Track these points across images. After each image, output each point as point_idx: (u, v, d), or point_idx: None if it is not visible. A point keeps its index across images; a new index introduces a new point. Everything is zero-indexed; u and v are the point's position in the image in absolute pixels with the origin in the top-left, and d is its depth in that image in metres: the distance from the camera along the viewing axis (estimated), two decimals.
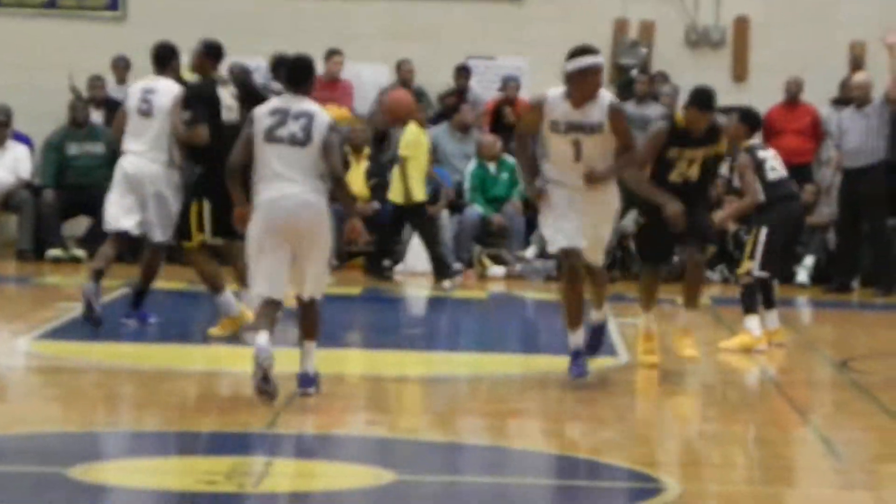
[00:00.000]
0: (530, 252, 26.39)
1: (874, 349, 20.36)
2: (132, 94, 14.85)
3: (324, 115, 13.88)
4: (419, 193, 25.05)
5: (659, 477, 12.42)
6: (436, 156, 26.21)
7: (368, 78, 27.63)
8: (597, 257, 14.90)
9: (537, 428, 15.24)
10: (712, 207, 18.03)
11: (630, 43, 27.64)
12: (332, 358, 15.84)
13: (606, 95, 14.20)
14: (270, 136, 13.48)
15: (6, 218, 26.86)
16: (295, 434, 13.08)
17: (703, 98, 15.01)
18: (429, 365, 18.67)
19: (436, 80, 27.71)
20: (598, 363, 18.08)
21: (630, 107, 25.97)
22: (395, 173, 25.30)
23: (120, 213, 15.64)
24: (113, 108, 26.10)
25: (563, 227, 14.39)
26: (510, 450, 13.97)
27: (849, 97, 25.40)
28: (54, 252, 26.22)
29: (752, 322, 18.96)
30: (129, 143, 14.79)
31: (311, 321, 14.04)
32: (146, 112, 14.22)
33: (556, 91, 13.74)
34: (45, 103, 26.99)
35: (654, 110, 26.91)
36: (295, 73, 14.13)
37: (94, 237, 25.74)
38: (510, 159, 26.27)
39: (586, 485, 12.73)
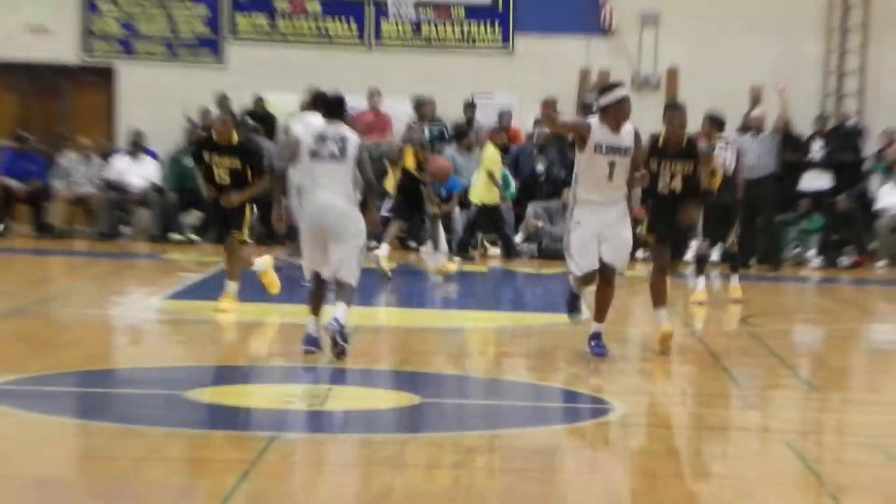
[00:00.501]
0: (518, 238, 26.34)
1: (766, 310, 20.36)
2: (305, 140, 13.62)
3: (355, 136, 13.54)
4: (497, 197, 25.30)
5: (610, 400, 12.56)
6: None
7: (399, 110, 27.57)
8: (623, 259, 13.94)
9: (523, 365, 15.32)
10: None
11: (592, 86, 27.60)
12: (373, 314, 15.78)
13: (629, 124, 13.46)
14: (314, 154, 13.29)
15: (141, 211, 26.87)
16: (348, 369, 13.21)
17: (674, 111, 14.56)
18: (445, 319, 18.72)
19: (449, 112, 27.59)
20: (558, 320, 18.15)
21: None
22: (478, 181, 25.41)
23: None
24: None
25: (586, 256, 13.51)
26: (503, 380, 14.15)
27: (748, 126, 25.33)
28: (175, 236, 26.39)
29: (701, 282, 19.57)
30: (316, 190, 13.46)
31: (343, 291, 13.47)
32: (335, 157, 13.28)
33: (594, 119, 13.20)
34: (168, 128, 26.89)
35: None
36: (331, 105, 13.77)
37: (205, 224, 26.21)
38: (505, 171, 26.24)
39: (558, 405, 13.06)
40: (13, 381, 12.40)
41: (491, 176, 25.14)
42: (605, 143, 12.96)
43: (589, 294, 14.21)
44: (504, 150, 26.50)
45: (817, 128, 26.99)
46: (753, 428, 12.17)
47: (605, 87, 13.75)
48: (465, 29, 28.08)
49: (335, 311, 13.28)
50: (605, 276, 13.56)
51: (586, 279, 13.74)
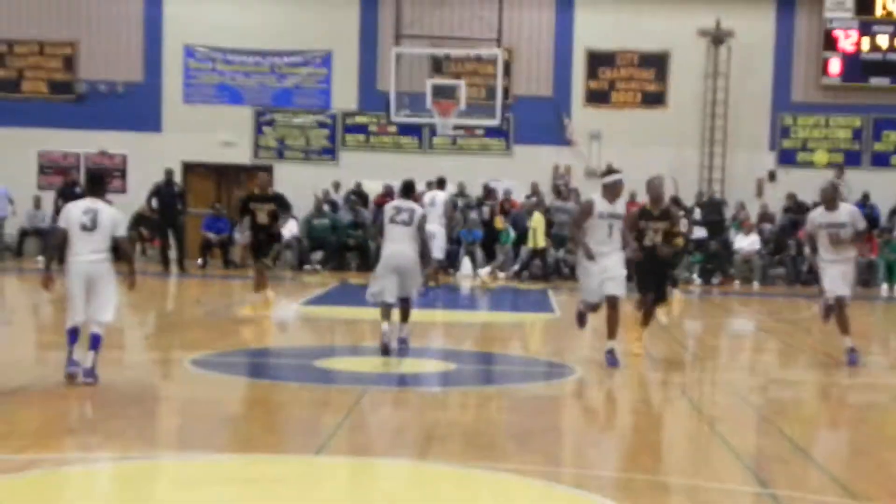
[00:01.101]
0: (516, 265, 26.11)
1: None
2: (387, 210, 12.96)
3: (420, 209, 12.98)
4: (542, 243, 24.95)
5: (572, 366, 12.48)
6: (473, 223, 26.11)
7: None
8: (622, 290, 12.46)
9: (514, 345, 15.31)
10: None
11: (559, 175, 27.41)
12: (420, 315, 15.60)
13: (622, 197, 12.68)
14: (392, 220, 12.69)
15: (287, 251, 26.85)
16: (410, 348, 13.10)
17: (654, 188, 13.09)
18: (466, 317, 18.51)
19: (474, 190, 27.44)
20: (542, 318, 18.12)
21: (562, 204, 25.84)
22: (531, 233, 25.01)
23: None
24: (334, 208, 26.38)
25: (592, 292, 12.46)
26: (498, 354, 14.14)
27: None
28: (307, 267, 26.29)
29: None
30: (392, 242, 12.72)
31: (406, 311, 13.12)
32: (406, 223, 12.61)
33: (596, 195, 12.43)
34: (304, 203, 26.84)
35: (573, 206, 26.74)
36: (405, 188, 13.24)
37: (326, 259, 26.10)
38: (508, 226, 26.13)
39: (533, 370, 12.97)
40: (209, 355, 12.64)
41: (535, 231, 24.99)
42: (605, 211, 12.23)
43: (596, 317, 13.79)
44: (507, 213, 26.44)
45: (697, 200, 26.78)
46: (663, 383, 12.15)
47: (606, 171, 12.94)
48: (484, 141, 27.92)
49: (402, 331, 13.14)
50: (611, 303, 12.33)
51: (593, 308, 12.75)
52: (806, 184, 26.53)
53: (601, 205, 12.29)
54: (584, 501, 7.03)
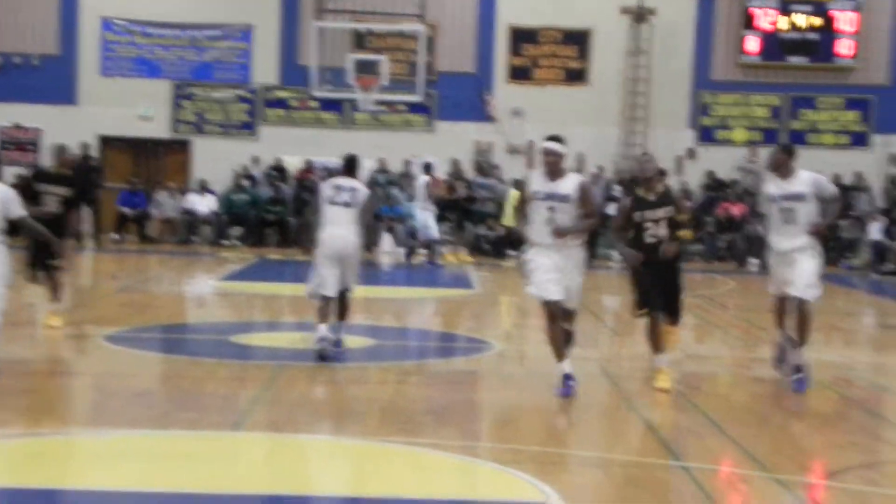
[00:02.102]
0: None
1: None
2: (325, 189, 11.30)
3: (364, 188, 11.33)
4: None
5: (491, 341, 12.55)
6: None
7: (366, 166, 27.36)
8: (577, 302, 9.87)
9: (434, 321, 15.33)
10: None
11: (482, 151, 27.46)
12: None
13: (574, 175, 9.75)
14: (331, 201, 11.02)
15: (204, 227, 26.58)
16: (331, 324, 13.04)
17: (644, 167, 10.02)
18: (387, 293, 18.51)
19: (396, 167, 27.37)
20: (462, 293, 18.18)
21: (484, 181, 25.90)
22: (507, 212, 23.94)
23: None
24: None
25: (546, 284, 9.47)
26: (418, 330, 14.15)
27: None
28: (225, 242, 26.10)
29: None
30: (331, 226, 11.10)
31: (344, 307, 11.44)
32: (347, 204, 11.04)
33: (536, 171, 9.80)
34: (222, 177, 26.69)
35: (495, 183, 26.89)
36: (347, 164, 11.41)
37: (245, 235, 25.98)
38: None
39: (452, 345, 13.17)
40: (124, 330, 12.51)
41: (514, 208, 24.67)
42: (541, 190, 9.42)
43: None
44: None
45: (618, 178, 26.99)
46: (581, 359, 12.22)
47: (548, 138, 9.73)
48: (406, 117, 27.83)
49: (339, 331, 11.35)
50: (564, 315, 9.74)
51: (548, 304, 9.63)
52: (725, 161, 26.87)
53: (537, 182, 9.59)
54: (501, 476, 7.08)
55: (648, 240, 9.93)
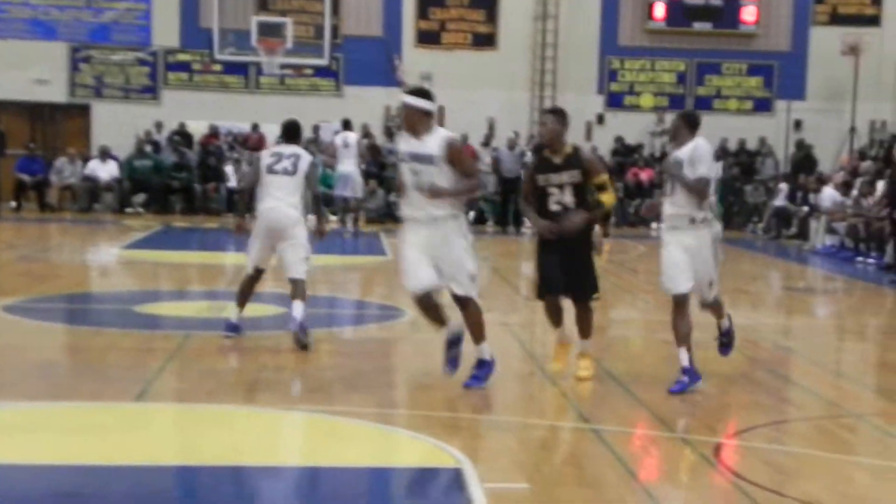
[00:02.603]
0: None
1: (499, 253, 20.33)
2: (263, 157, 10.33)
3: (307, 155, 10.32)
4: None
5: (404, 308, 12.55)
6: None
7: (272, 132, 27.28)
8: (464, 283, 8.39)
9: (346, 288, 15.29)
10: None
11: (392, 117, 27.36)
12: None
13: (442, 131, 8.21)
14: (270, 169, 10.06)
15: (107, 194, 26.21)
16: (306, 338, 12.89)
17: (558, 113, 8.85)
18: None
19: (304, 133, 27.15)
20: (374, 260, 18.14)
21: (395, 146, 25.78)
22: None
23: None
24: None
25: (414, 271, 8.34)
26: (329, 297, 14.11)
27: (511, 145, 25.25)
28: (128, 210, 25.75)
29: None
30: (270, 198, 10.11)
31: (296, 289, 10.12)
32: (289, 172, 10.06)
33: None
34: (124, 142, 26.34)
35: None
36: (288, 130, 10.57)
37: (148, 202, 25.60)
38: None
39: (364, 313, 13.28)
40: (22, 301, 12.35)
41: None
42: (406, 151, 8.21)
43: None
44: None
45: (530, 144, 27.09)
46: (495, 324, 12.27)
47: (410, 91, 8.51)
48: (313, 81, 27.63)
49: (294, 311, 10.04)
50: (460, 304, 8.56)
51: (419, 303, 8.60)
52: (633, 127, 27.13)
53: (403, 142, 8.35)
54: (414, 442, 7.10)
55: (553, 207, 8.72)
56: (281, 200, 10.07)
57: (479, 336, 8.61)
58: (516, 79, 27.73)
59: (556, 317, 9.09)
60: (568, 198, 8.65)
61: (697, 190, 8.54)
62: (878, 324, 13.87)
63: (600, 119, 28.17)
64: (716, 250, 8.96)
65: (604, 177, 8.79)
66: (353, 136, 22.12)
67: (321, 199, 10.86)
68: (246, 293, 10.45)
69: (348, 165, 21.45)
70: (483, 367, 8.60)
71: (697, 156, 8.49)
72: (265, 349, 10.31)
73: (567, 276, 8.83)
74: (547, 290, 8.98)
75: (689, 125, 8.72)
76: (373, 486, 6.51)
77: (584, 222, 8.77)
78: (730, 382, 9.30)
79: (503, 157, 25.24)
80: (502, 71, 27.67)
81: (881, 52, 27.57)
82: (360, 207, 22.75)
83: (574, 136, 27.86)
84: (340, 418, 7.59)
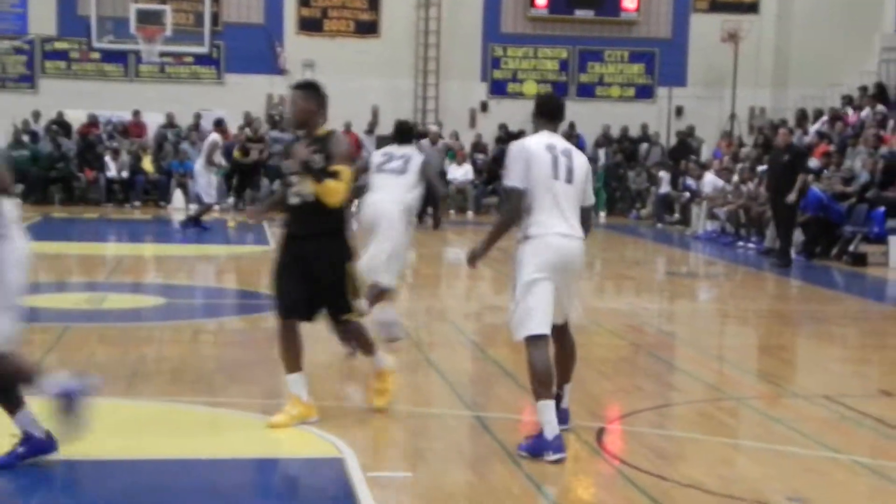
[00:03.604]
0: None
1: None
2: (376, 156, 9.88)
3: (418, 155, 9.89)
4: None
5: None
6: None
7: (154, 121, 26.94)
8: (341, 305, 7.13)
9: (231, 278, 15.12)
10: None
11: (274, 105, 27.10)
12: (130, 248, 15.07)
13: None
14: (380, 169, 9.61)
15: None
16: (118, 282, 12.68)
17: (309, 89, 6.95)
18: (179, 250, 18.15)
19: (186, 121, 26.87)
20: (257, 250, 17.97)
21: (278, 134, 25.63)
22: None
23: None
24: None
25: (286, 297, 7.03)
26: (211, 287, 13.97)
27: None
28: None
29: None
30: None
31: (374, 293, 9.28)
32: (397, 171, 9.57)
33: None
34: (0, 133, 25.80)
35: (291, 137, 26.55)
36: (400, 131, 10.01)
37: (26, 195, 25.04)
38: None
39: (246, 302, 12.93)
40: None
41: None
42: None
43: None
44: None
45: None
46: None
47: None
48: (194, 69, 27.30)
49: None
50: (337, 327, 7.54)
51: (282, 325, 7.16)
52: (516, 114, 27.24)
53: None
54: (296, 433, 7.07)
55: (292, 200, 7.07)
56: (385, 196, 9.53)
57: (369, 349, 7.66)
58: (399, 66, 27.71)
59: (294, 353, 7.22)
60: (307, 188, 6.95)
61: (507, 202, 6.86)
62: (759, 308, 14.15)
63: (484, 106, 28.29)
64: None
65: (340, 167, 6.91)
66: (211, 136, 21.11)
67: (439, 194, 11.56)
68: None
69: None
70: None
71: (506, 162, 6.69)
72: (145, 340, 10.18)
73: (300, 293, 7.07)
74: (282, 301, 7.14)
75: (539, 114, 6.85)
76: (254, 477, 6.47)
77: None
78: (613, 368, 9.41)
79: (426, 153, 24.03)
80: (385, 59, 27.64)
81: (760, 39, 28.12)
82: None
83: (458, 124, 28.27)
84: (222, 410, 7.52)
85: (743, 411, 8.25)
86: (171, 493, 6.02)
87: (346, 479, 6.07)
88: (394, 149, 9.91)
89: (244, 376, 8.71)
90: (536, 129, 6.82)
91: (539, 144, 6.65)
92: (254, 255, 17.75)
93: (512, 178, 6.58)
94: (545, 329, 6.52)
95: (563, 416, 6.77)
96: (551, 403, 6.47)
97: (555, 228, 6.52)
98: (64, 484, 6.13)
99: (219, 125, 22.81)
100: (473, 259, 6.98)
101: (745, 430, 7.78)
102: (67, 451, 6.47)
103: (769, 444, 7.19)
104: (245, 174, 21.22)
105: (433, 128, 26.12)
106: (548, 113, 6.87)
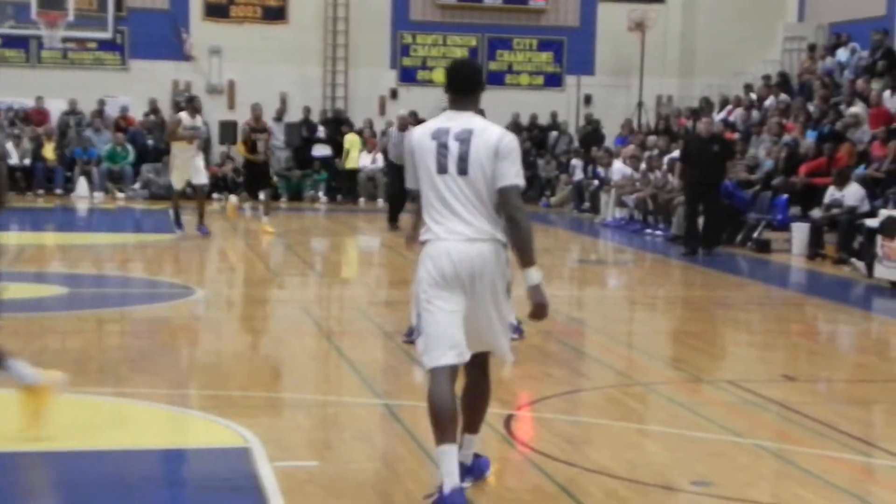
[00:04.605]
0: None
1: (293, 229, 20.15)
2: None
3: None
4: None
5: (193, 287, 12.35)
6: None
7: (56, 107, 26.51)
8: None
9: (137, 267, 14.94)
10: None
11: (180, 91, 26.74)
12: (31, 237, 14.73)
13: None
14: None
15: None
16: (23, 272, 12.42)
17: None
18: (83, 239, 17.87)
19: (86, 108, 26.48)
20: (164, 238, 17.78)
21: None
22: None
23: None
24: None
25: None
26: (116, 276, 13.77)
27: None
28: None
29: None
30: None
31: None
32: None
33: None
34: None
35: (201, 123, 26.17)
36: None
37: None
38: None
39: (152, 291, 12.81)
40: None
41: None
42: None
43: None
44: (124, 130, 25.83)
45: (321, 118, 27.05)
46: (285, 300, 12.22)
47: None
48: (97, 55, 26.87)
49: None
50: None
51: None
52: (427, 102, 27.20)
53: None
54: (202, 423, 7.06)
55: None
56: None
57: None
58: (308, 53, 27.56)
59: None
60: None
61: None
62: (667, 294, 14.38)
63: (394, 94, 28.22)
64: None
65: None
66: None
67: None
68: None
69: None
70: None
71: None
72: (47, 330, 10.05)
73: None
74: None
75: (446, 87, 5.78)
76: (159, 468, 6.43)
77: None
78: (522, 355, 9.44)
79: (394, 140, 20.96)
80: (294, 45, 27.47)
81: (666, 28, 28.40)
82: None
83: (368, 112, 28.17)
84: (126, 400, 7.45)
85: (650, 397, 8.35)
86: (76, 485, 5.95)
87: (252, 468, 6.03)
88: None
89: (149, 366, 8.66)
90: (448, 105, 5.66)
91: (424, 134, 5.54)
92: (160, 243, 17.57)
93: (408, 177, 5.61)
94: (451, 359, 5.38)
95: (464, 470, 5.57)
96: (450, 449, 5.30)
97: (445, 233, 5.41)
98: None
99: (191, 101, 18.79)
100: (408, 242, 6.03)
101: (652, 416, 7.87)
102: None
103: (675, 428, 7.29)
104: (255, 170, 18.45)
105: (402, 112, 24.39)
106: (452, 84, 5.65)
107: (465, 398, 5.71)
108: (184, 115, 17.52)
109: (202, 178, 17.56)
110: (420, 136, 5.52)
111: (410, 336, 8.67)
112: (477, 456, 5.83)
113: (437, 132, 5.46)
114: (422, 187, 5.48)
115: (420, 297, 5.44)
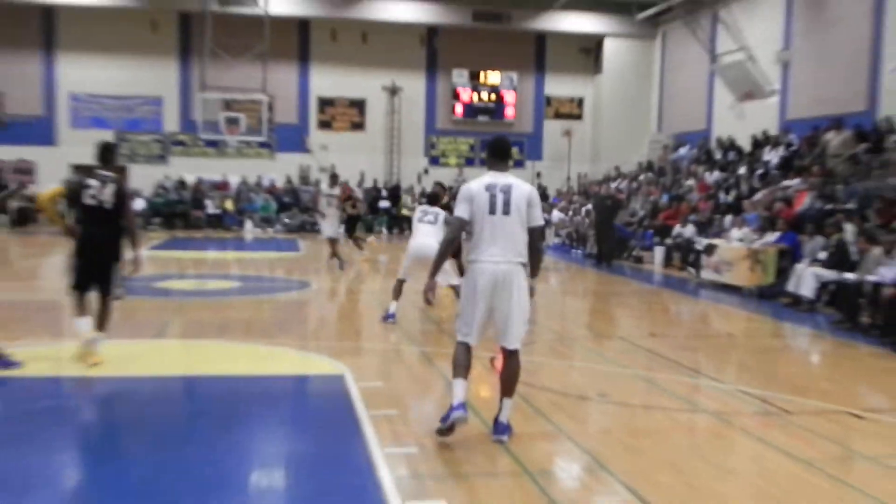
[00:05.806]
0: None
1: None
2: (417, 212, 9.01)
3: (442, 212, 8.85)
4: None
5: (311, 281, 12.05)
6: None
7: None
8: None
9: (277, 271, 14.13)
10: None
11: (303, 170, 26.47)
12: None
13: None
14: (420, 220, 9.02)
15: None
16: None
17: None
18: (252, 256, 17.57)
19: (252, 181, 26.29)
20: (293, 255, 17.00)
21: (305, 187, 25.12)
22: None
23: None
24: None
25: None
26: (265, 276, 13.19)
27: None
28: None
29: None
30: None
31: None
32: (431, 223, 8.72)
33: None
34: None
35: (312, 188, 25.68)
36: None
37: None
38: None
39: (288, 285, 11.97)
40: None
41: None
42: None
43: None
44: (272, 193, 25.76)
45: (385, 185, 27.00)
46: (362, 290, 11.90)
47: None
48: (258, 150, 26.88)
49: None
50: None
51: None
52: (445, 176, 27.23)
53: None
54: (311, 359, 6.92)
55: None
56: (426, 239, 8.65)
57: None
58: (377, 148, 27.71)
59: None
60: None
61: None
62: (584, 287, 13.87)
63: (426, 171, 28.32)
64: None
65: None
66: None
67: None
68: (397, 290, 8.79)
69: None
70: None
71: (457, 199, 5.23)
72: (226, 307, 9.49)
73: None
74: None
75: (488, 154, 5.25)
76: (290, 386, 6.26)
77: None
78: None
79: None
80: (369, 144, 27.58)
81: (584, 134, 28.32)
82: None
83: (411, 180, 27.89)
84: (274, 347, 7.31)
85: (575, 345, 8.07)
86: (243, 396, 5.66)
87: (344, 387, 5.86)
88: (426, 208, 9.10)
89: (286, 327, 8.28)
90: (488, 168, 5.15)
91: (479, 186, 5.06)
92: (291, 257, 16.59)
93: (458, 210, 5.07)
94: (471, 340, 5.03)
95: (499, 428, 5.04)
96: (459, 382, 4.96)
97: (486, 255, 4.98)
98: (188, 395, 6.05)
99: (333, 176, 15.93)
100: (426, 293, 5.18)
101: (575, 355, 7.64)
102: (172, 370, 6.34)
103: (587, 363, 7.18)
104: (353, 219, 16.65)
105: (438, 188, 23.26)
106: (492, 153, 5.18)
107: (503, 373, 5.12)
108: (324, 186, 15.73)
109: (330, 231, 14.49)
110: (477, 187, 5.05)
111: (388, 317, 8.56)
112: (508, 426, 5.12)
113: (489, 186, 5.02)
114: (475, 221, 5.00)
115: (462, 298, 5.08)
